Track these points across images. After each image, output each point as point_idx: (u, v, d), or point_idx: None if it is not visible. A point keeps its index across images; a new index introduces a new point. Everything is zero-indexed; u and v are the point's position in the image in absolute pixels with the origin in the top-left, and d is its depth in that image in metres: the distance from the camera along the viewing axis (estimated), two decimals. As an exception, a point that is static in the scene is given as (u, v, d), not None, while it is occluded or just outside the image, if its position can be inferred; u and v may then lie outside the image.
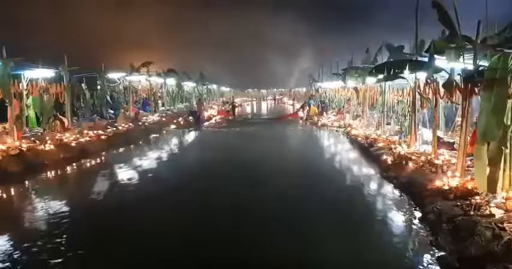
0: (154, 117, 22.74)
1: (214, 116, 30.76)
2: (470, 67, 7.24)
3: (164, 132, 20.48)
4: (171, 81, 28.77)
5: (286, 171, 10.76)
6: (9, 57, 11.56)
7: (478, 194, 6.32)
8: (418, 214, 6.94)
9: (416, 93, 10.93)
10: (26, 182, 9.71)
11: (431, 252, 5.38)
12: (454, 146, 10.14)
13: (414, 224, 6.55)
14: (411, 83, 11.19)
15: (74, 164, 11.89)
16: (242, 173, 10.68)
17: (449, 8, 7.61)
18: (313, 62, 39.48)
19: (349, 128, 18.37)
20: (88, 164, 12.17)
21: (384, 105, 15.36)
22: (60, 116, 15.19)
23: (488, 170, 6.17)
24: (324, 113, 27.22)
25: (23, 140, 11.81)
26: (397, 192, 8.48)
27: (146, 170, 11.14)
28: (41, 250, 5.52)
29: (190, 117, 25.14)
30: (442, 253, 5.24)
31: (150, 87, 26.61)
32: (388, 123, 15.38)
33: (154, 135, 19.13)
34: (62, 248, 5.62)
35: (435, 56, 7.83)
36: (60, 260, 5.24)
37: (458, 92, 8.02)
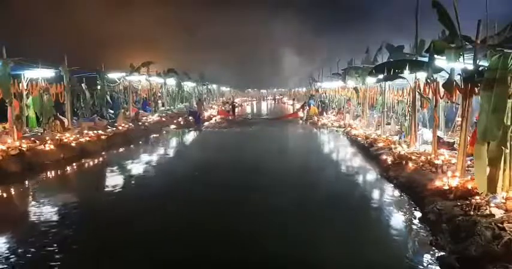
0: (154, 117, 22.75)
1: (214, 116, 30.78)
2: (470, 67, 7.24)
3: (164, 132, 20.48)
4: (171, 81, 28.77)
5: (287, 171, 10.75)
6: (9, 57, 11.56)
7: (478, 194, 6.31)
8: (418, 214, 6.94)
9: (416, 93, 10.93)
10: (26, 182, 9.71)
11: (431, 252, 5.38)
12: (454, 146, 10.14)
13: (414, 224, 6.55)
14: (411, 83, 11.19)
15: (74, 164, 11.90)
16: (242, 172, 10.67)
17: (449, 8, 7.62)
18: (313, 62, 39.45)
19: (349, 128, 18.37)
20: (88, 164, 12.17)
21: (384, 105, 15.36)
22: (60, 116, 15.19)
23: (488, 170, 6.17)
24: (324, 113, 27.23)
25: (23, 140, 11.80)
26: (397, 192, 8.48)
27: (146, 170, 11.14)
28: (40, 250, 5.52)
29: (190, 117, 25.16)
30: (442, 253, 5.24)
31: (150, 87, 26.61)
32: (388, 123, 15.38)
33: (155, 135, 19.14)
34: (62, 248, 5.62)
35: (435, 56, 7.82)
36: (58, 258, 5.25)
37: (458, 92, 8.03)
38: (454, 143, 10.49)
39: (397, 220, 6.91)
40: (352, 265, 5.22)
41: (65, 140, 13.02)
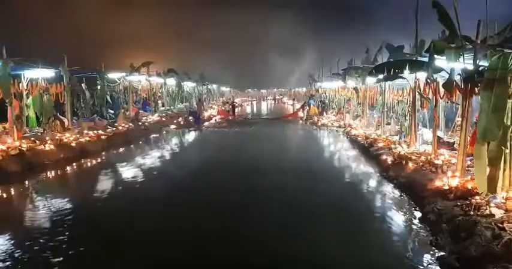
0: (154, 117, 22.75)
1: (214, 116, 30.78)
2: (470, 67, 7.24)
3: (164, 132, 20.48)
4: (171, 81, 28.77)
5: (286, 171, 10.73)
6: (9, 57, 11.56)
7: (478, 194, 6.31)
8: (418, 214, 6.94)
9: (416, 93, 10.93)
10: (26, 182, 9.71)
11: (431, 252, 5.38)
12: (454, 146, 10.14)
13: (414, 224, 6.55)
14: (411, 83, 11.19)
15: (74, 164, 11.90)
16: (242, 172, 10.67)
17: (449, 8, 7.62)
18: (313, 62, 39.51)
19: (349, 128, 18.37)
20: (88, 164, 12.17)
21: (384, 105, 15.36)
22: (60, 116, 15.19)
23: (488, 170, 6.17)
24: (324, 113, 27.23)
25: (23, 140, 11.79)
26: (397, 192, 8.48)
27: (146, 171, 11.13)
28: (40, 250, 5.52)
29: (190, 117, 25.17)
30: (442, 253, 5.24)
31: (150, 87, 26.61)
32: (388, 123, 15.38)
33: (154, 135, 19.15)
34: (62, 247, 5.61)
35: (435, 56, 7.82)
36: (60, 258, 5.25)
37: (458, 92, 8.03)
38: (454, 143, 10.49)
39: (397, 219, 6.90)
40: (352, 264, 5.23)
41: (65, 140, 13.01)
